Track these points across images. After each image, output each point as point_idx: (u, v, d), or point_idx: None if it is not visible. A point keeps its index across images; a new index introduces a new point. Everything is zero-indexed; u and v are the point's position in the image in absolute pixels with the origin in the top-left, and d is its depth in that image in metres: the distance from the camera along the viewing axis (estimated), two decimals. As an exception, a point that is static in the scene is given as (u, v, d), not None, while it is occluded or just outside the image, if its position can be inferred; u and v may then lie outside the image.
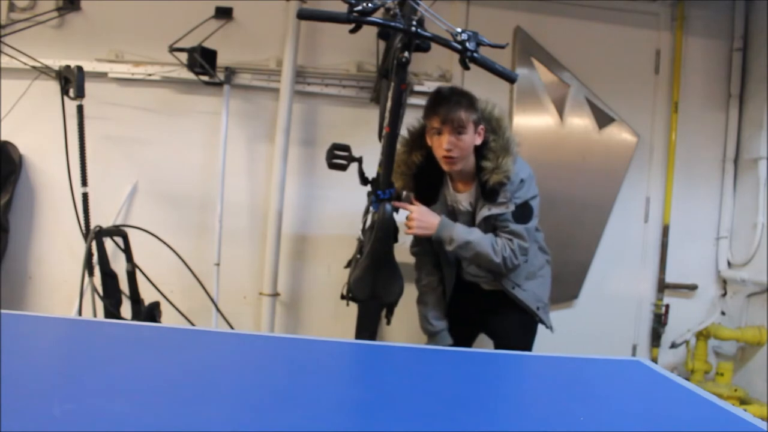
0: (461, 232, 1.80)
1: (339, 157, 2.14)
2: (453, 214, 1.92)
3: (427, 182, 1.90)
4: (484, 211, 1.82)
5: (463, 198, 1.89)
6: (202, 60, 2.64)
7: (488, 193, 1.81)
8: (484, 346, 2.40)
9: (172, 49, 2.66)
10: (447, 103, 1.75)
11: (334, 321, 2.84)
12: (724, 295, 3.04)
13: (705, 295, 3.06)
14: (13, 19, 2.75)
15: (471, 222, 1.88)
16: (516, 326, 2.00)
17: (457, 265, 1.98)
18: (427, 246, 1.97)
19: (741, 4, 3.02)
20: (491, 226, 1.86)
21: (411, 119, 1.95)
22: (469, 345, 2.12)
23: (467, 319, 2.04)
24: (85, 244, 2.19)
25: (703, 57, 3.06)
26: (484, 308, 2.01)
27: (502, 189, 1.79)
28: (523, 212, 1.82)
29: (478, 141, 1.80)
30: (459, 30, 1.59)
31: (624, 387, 1.07)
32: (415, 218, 1.81)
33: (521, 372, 1.14)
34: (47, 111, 2.65)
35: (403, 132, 1.91)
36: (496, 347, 2.05)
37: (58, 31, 2.80)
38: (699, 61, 3.06)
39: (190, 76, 2.73)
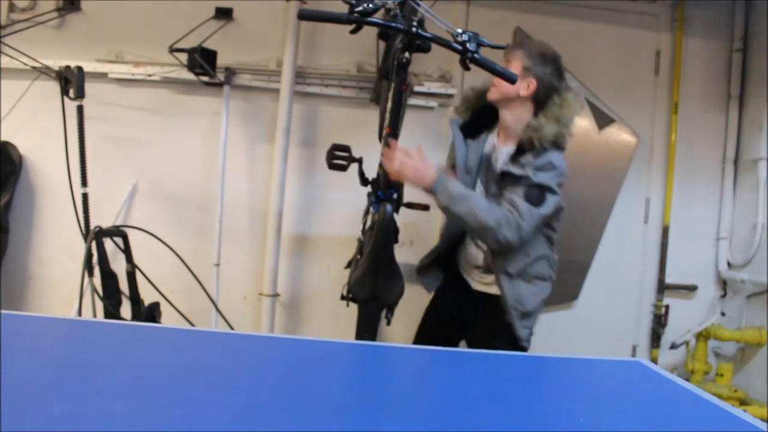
0: (459, 186, 1.75)
1: (339, 157, 2.14)
2: (481, 162, 1.91)
3: (480, 120, 1.93)
4: (501, 164, 1.83)
5: (500, 151, 1.88)
6: (202, 60, 2.64)
7: (518, 151, 1.81)
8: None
9: (172, 50, 2.66)
10: (516, 43, 1.90)
11: (334, 321, 2.84)
12: (724, 295, 3.04)
13: (705, 296, 3.06)
14: (13, 19, 2.75)
15: (491, 181, 1.87)
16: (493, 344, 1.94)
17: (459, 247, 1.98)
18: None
19: (741, 5, 3.02)
20: (493, 189, 1.85)
21: (413, 115, 1.95)
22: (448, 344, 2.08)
23: (450, 315, 2.00)
24: (85, 245, 2.19)
25: (702, 58, 3.06)
26: (468, 311, 1.95)
27: (529, 151, 1.77)
28: (535, 194, 1.76)
29: (524, 92, 1.80)
30: (460, 31, 1.59)
31: (624, 387, 1.07)
32: (410, 163, 1.70)
33: (521, 372, 1.14)
34: (47, 111, 2.65)
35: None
36: None
37: (58, 32, 2.80)
38: (699, 62, 3.06)
39: (190, 76, 2.73)
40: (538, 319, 1.93)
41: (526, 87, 1.81)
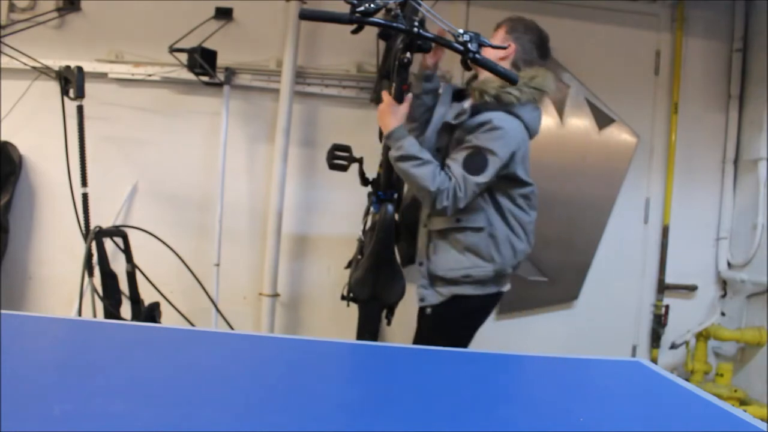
0: (414, 146, 1.74)
1: (340, 157, 2.14)
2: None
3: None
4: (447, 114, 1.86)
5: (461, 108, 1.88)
6: (202, 60, 2.64)
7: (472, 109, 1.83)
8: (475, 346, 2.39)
9: (173, 50, 2.66)
10: (507, 17, 1.93)
11: (334, 322, 2.84)
12: (724, 295, 3.04)
13: (705, 296, 3.06)
14: (13, 19, 2.75)
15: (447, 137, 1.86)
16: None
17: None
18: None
19: (741, 5, 3.02)
20: (442, 141, 1.85)
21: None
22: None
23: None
24: (85, 245, 2.19)
25: (703, 58, 3.06)
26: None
27: (473, 104, 1.79)
28: (473, 161, 1.72)
29: (502, 52, 1.82)
30: (461, 31, 1.59)
31: (624, 387, 1.07)
32: (380, 109, 1.77)
33: (521, 372, 1.14)
34: (47, 111, 2.65)
35: None
36: None
37: (58, 32, 2.80)
38: (699, 62, 3.06)
39: (190, 76, 2.73)
40: (471, 301, 1.82)
41: (505, 47, 1.84)
